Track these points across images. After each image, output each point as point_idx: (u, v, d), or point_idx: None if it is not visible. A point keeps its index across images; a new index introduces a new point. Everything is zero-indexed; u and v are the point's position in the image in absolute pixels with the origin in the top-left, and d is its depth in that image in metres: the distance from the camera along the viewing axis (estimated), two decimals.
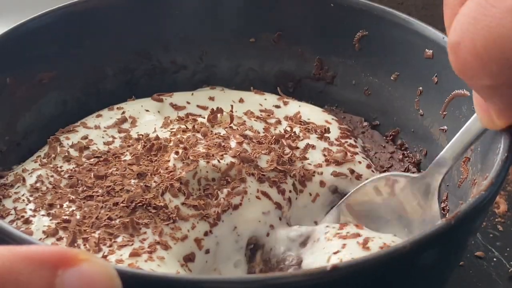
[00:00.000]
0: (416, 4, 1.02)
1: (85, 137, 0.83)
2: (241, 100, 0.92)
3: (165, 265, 0.68)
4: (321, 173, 0.81)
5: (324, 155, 0.82)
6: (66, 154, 0.80)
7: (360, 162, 0.83)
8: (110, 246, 0.69)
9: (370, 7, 0.89)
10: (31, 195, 0.75)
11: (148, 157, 0.78)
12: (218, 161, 0.76)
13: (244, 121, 0.84)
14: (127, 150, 0.80)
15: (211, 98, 0.92)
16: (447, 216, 0.64)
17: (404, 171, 0.86)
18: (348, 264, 0.55)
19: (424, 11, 1.01)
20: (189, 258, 0.71)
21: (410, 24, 0.86)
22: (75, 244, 0.69)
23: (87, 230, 0.70)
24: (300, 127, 0.86)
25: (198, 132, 0.80)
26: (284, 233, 0.76)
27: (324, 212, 0.81)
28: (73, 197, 0.74)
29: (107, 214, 0.71)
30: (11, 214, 0.73)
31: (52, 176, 0.77)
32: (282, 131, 0.84)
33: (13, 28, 0.83)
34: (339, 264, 0.54)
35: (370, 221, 0.77)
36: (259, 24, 0.95)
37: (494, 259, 0.88)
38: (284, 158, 0.79)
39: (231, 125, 0.82)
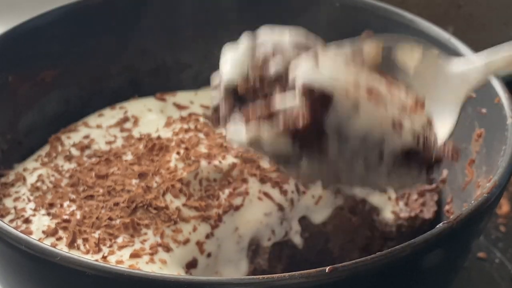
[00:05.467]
0: (417, 3, 1.01)
1: (87, 137, 0.82)
2: None
3: (167, 268, 0.67)
4: None
5: None
6: (68, 153, 0.79)
7: None
8: (110, 246, 0.68)
9: (375, 7, 0.88)
10: (31, 194, 0.75)
11: (149, 157, 0.77)
12: (220, 161, 0.76)
13: None
14: (128, 150, 0.79)
15: None
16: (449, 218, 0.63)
17: None
18: (346, 267, 0.54)
19: (427, 11, 0.99)
20: (191, 265, 0.71)
21: (416, 24, 0.85)
22: (75, 244, 0.68)
23: (87, 230, 0.69)
24: None
25: (201, 131, 0.80)
26: None
27: (326, 214, 0.80)
28: (74, 196, 0.74)
29: (107, 214, 0.71)
30: (11, 214, 0.73)
31: (53, 175, 0.77)
32: None
33: (15, 26, 0.83)
34: (337, 266, 0.54)
35: None
36: (264, 23, 0.94)
37: (496, 260, 0.87)
38: None
39: None
